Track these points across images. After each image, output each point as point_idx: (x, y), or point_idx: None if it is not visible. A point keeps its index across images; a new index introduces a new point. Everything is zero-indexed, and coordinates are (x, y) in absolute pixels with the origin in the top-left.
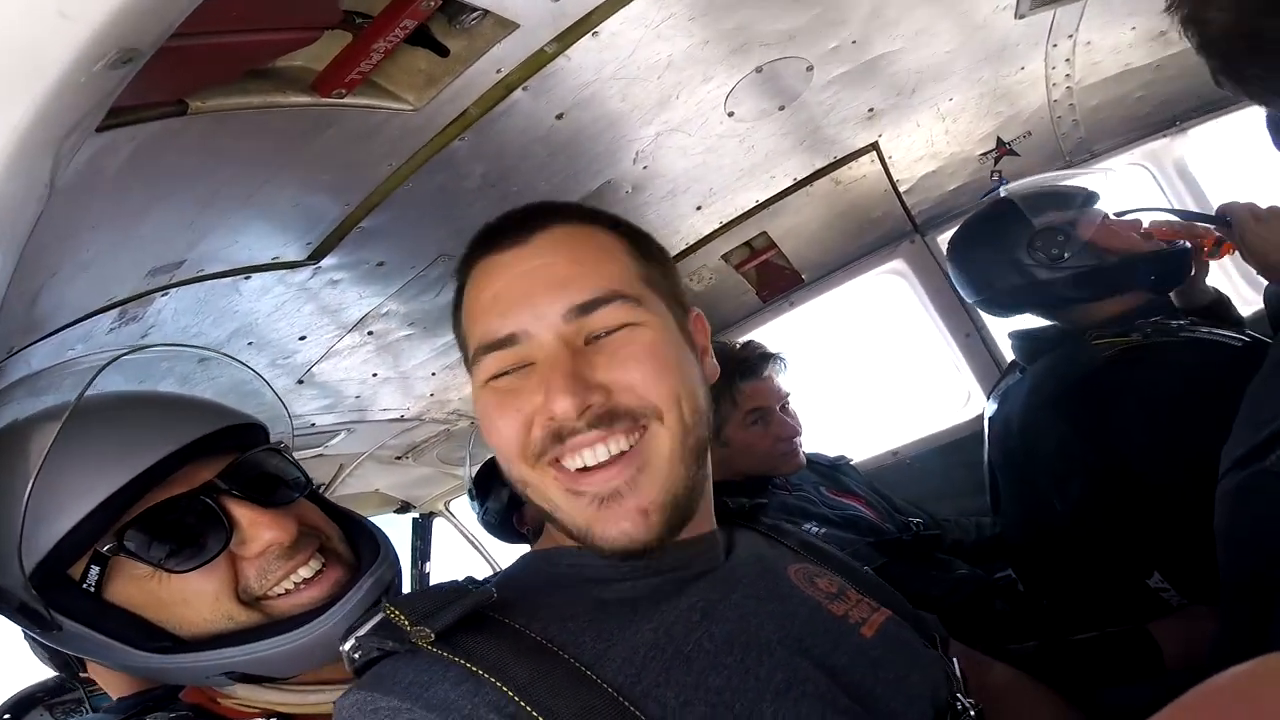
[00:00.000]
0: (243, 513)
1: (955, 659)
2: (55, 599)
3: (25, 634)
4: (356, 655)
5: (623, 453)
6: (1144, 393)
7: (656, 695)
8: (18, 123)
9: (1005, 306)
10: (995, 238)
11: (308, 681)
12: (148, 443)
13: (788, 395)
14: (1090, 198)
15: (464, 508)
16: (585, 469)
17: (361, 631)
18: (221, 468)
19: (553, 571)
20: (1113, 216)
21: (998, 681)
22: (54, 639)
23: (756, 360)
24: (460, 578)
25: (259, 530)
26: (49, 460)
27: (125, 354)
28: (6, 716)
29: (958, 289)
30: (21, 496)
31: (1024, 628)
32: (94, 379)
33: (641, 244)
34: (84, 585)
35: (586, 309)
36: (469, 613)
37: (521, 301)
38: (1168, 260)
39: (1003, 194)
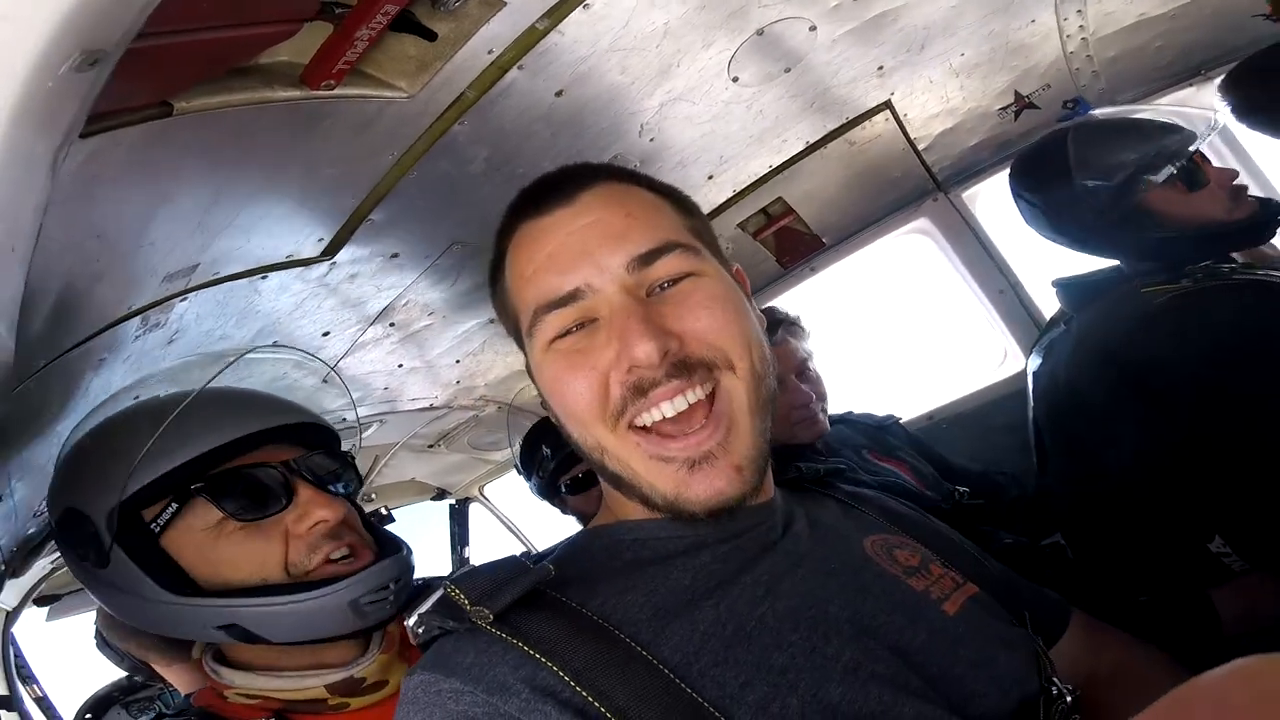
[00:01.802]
0: (305, 490)
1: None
2: (122, 535)
3: (97, 639)
4: (420, 630)
5: (703, 403)
6: (1197, 340)
7: (715, 675)
8: None
9: (1073, 235)
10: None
11: (304, 666)
12: (244, 418)
13: (805, 359)
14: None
15: (498, 492)
16: (662, 430)
17: (424, 608)
18: (300, 453)
19: (612, 547)
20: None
21: (1114, 654)
22: (92, 576)
23: (768, 327)
24: (519, 553)
25: (314, 507)
26: (176, 411)
27: (241, 356)
28: (88, 717)
29: (1026, 214)
30: (146, 438)
31: (1073, 596)
32: (218, 374)
33: (682, 200)
34: (150, 525)
35: (647, 259)
36: (527, 591)
37: (581, 257)
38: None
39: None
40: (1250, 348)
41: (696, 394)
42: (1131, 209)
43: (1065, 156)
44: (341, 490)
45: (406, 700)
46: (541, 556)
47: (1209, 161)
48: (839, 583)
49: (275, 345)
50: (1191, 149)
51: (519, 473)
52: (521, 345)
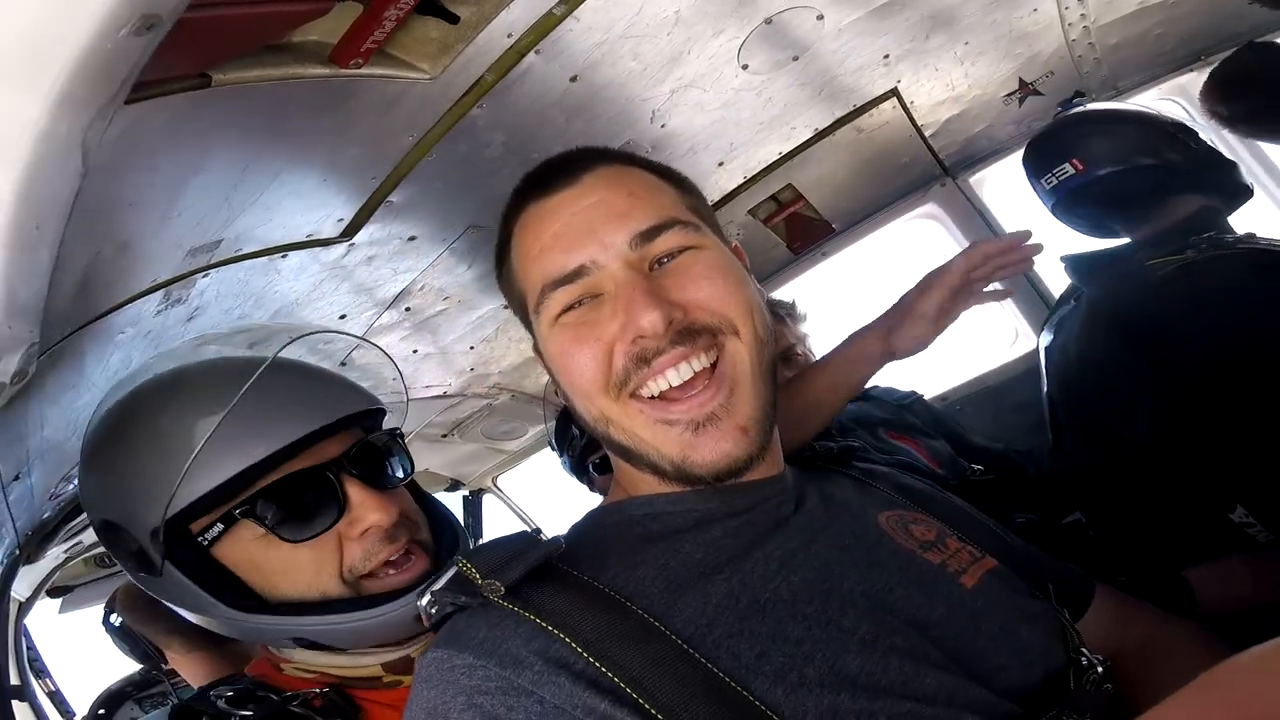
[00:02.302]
0: (356, 492)
1: (1066, 609)
2: (171, 549)
3: (106, 627)
4: (433, 610)
5: (707, 371)
6: (1203, 307)
7: (729, 646)
8: (50, 92)
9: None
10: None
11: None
12: (290, 419)
13: (792, 345)
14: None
15: (511, 483)
16: (667, 397)
17: (437, 586)
18: (346, 446)
19: (623, 523)
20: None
21: (1143, 627)
22: (150, 584)
23: None
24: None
25: (366, 511)
26: (209, 420)
27: (293, 340)
28: (101, 712)
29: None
30: (187, 453)
31: (1093, 574)
32: (262, 369)
33: (680, 180)
34: (200, 539)
35: (649, 235)
36: (538, 565)
37: (585, 235)
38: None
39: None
40: (1255, 313)
41: (701, 361)
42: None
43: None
44: (398, 478)
45: (420, 679)
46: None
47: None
48: (853, 558)
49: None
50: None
51: (552, 449)
52: (529, 325)
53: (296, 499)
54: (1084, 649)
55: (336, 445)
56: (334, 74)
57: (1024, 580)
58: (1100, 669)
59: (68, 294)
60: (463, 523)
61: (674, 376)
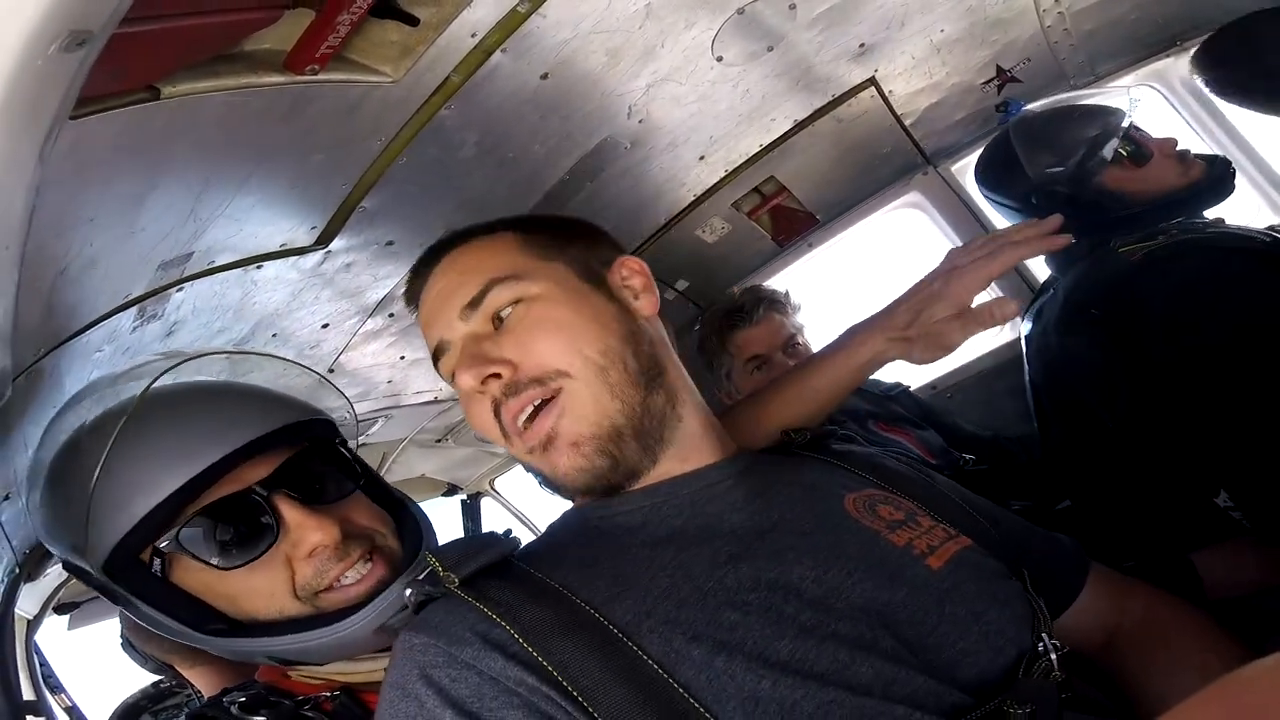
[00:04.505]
0: (292, 513)
1: (1055, 587)
2: (129, 580)
3: (122, 640)
4: (411, 598)
5: (545, 403)
6: (1170, 292)
7: (662, 633)
8: None
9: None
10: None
11: (368, 652)
12: (205, 443)
13: (793, 335)
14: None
15: (509, 485)
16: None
17: (418, 576)
18: (275, 465)
19: (582, 524)
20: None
21: (1140, 607)
22: (133, 613)
23: (749, 306)
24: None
25: (305, 532)
26: (115, 457)
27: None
28: None
29: (1005, 215)
30: (95, 492)
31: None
32: (150, 384)
33: (533, 224)
34: (152, 570)
35: (474, 303)
36: (493, 561)
37: (434, 319)
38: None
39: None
40: (1222, 296)
41: (533, 404)
42: (1094, 193)
43: (1014, 155)
44: (341, 494)
45: (391, 657)
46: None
47: (1147, 135)
48: (811, 543)
49: (256, 353)
50: (1124, 123)
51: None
52: None
53: (226, 525)
54: (1045, 634)
55: (264, 466)
56: (290, 81)
57: (1006, 563)
58: (1054, 656)
59: (37, 314)
60: (463, 527)
61: (522, 418)
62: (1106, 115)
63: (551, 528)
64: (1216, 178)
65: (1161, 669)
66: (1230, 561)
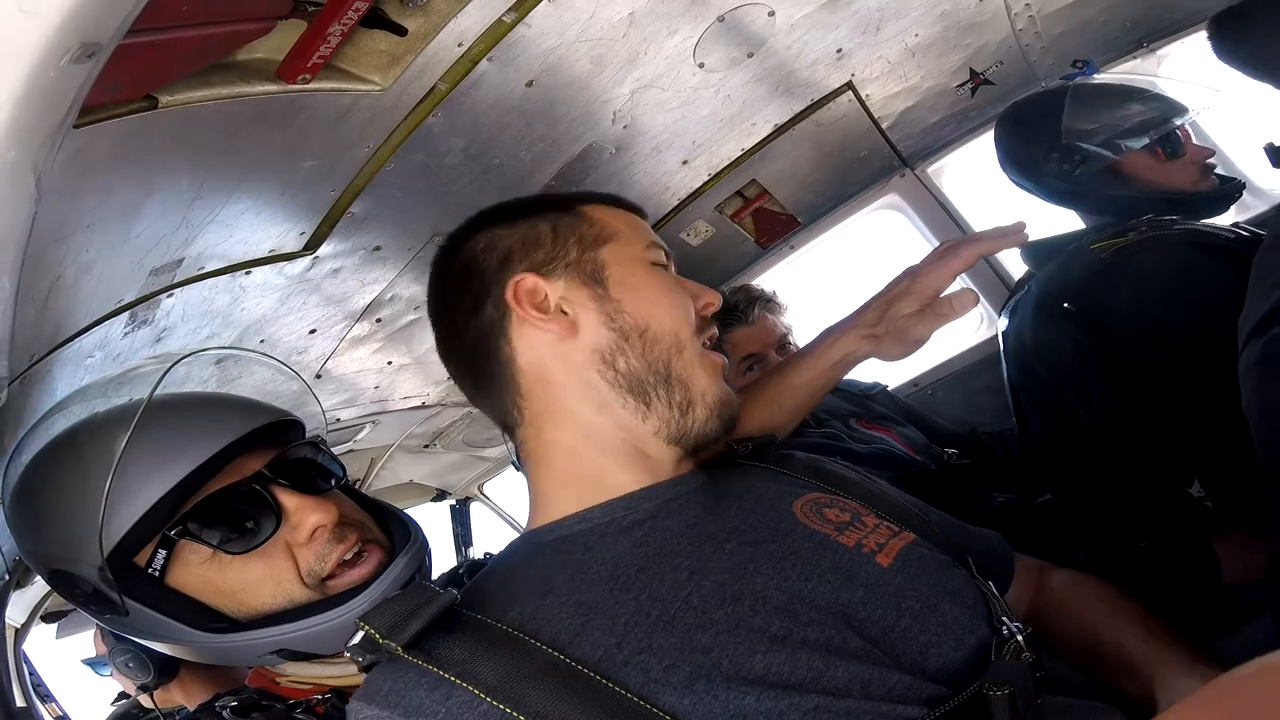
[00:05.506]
0: (289, 499)
1: (992, 580)
2: (124, 584)
3: (111, 657)
4: (360, 660)
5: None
6: (1136, 287)
7: (638, 663)
8: None
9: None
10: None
11: None
12: (205, 437)
13: (784, 335)
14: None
15: (498, 489)
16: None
17: (351, 643)
18: (268, 460)
19: (535, 550)
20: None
21: (1057, 586)
22: (119, 624)
23: (744, 306)
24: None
25: (305, 514)
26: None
27: (187, 357)
28: None
29: (1005, 158)
30: (101, 489)
31: (1069, 551)
32: (160, 380)
33: None
34: (149, 570)
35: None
36: (434, 619)
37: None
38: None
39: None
40: (1188, 293)
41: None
42: (1110, 167)
43: (1056, 109)
44: (329, 486)
45: None
46: (478, 566)
47: (1190, 137)
48: (767, 552)
49: (242, 350)
50: (1179, 121)
51: (516, 469)
52: (544, 274)
53: (228, 513)
54: (1005, 618)
55: (257, 460)
56: (282, 90)
57: (947, 554)
58: (1020, 637)
59: (32, 320)
60: (453, 533)
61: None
62: (1170, 105)
63: (499, 559)
64: (1223, 195)
65: (1074, 641)
66: (1246, 545)
